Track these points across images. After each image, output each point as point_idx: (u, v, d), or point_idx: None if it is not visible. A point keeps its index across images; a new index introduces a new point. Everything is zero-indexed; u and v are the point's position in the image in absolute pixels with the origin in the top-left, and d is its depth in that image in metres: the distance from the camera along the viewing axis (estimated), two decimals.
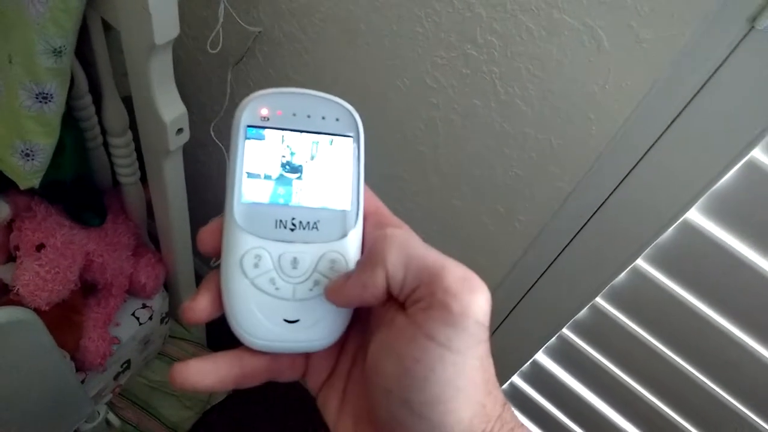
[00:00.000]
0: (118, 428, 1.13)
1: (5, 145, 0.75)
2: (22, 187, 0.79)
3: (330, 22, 0.78)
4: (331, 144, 0.32)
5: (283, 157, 0.31)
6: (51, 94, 0.72)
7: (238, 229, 0.30)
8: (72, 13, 0.67)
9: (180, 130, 0.80)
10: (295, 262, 0.30)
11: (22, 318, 0.75)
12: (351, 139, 0.33)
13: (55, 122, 0.75)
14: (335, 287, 0.30)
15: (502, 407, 0.28)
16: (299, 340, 0.31)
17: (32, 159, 0.76)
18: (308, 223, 0.31)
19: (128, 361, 1.12)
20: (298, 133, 0.32)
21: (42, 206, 0.91)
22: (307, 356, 0.33)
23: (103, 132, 0.92)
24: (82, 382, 1.01)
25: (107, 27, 0.77)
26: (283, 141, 0.31)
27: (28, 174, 0.77)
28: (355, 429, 0.31)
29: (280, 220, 0.31)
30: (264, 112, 0.31)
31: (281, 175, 0.31)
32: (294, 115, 0.32)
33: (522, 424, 0.29)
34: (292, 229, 0.31)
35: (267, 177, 0.31)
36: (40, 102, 0.71)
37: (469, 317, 0.26)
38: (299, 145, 0.32)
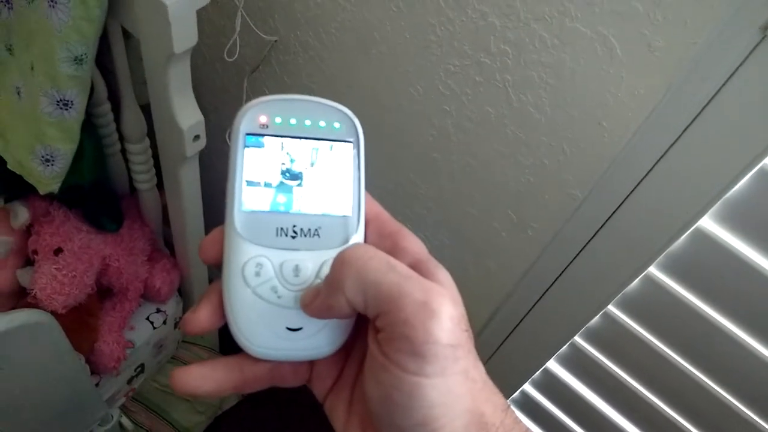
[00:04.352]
0: (131, 431, 1.14)
1: (26, 150, 0.76)
2: (41, 192, 0.80)
3: (345, 30, 0.79)
4: (331, 150, 0.32)
5: (283, 164, 0.31)
6: (71, 101, 0.73)
7: (238, 237, 0.30)
8: (94, 22, 0.68)
9: (197, 137, 0.81)
10: (297, 270, 0.30)
11: (39, 320, 0.76)
12: (351, 144, 0.32)
13: (74, 128, 0.76)
14: (305, 301, 0.30)
15: (504, 413, 0.28)
16: (302, 348, 0.31)
17: (52, 164, 0.78)
18: (309, 230, 0.31)
19: (142, 365, 1.13)
20: (298, 140, 0.31)
21: (60, 211, 0.93)
22: (311, 363, 0.33)
23: (121, 139, 0.94)
24: (97, 385, 1.03)
25: (127, 35, 0.79)
26: (282, 148, 0.31)
27: (48, 179, 0.79)
28: None
29: (281, 228, 0.31)
30: (263, 119, 0.31)
31: (281, 183, 0.31)
32: (293, 121, 0.31)
33: (527, 429, 0.29)
34: (293, 237, 0.31)
35: (267, 185, 0.31)
36: (61, 108, 0.73)
37: (435, 343, 0.25)
38: (299, 152, 0.31)
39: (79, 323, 0.95)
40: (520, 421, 0.28)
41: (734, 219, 0.63)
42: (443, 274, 0.29)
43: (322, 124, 0.32)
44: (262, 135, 0.31)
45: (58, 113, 0.73)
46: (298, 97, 0.32)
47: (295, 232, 0.31)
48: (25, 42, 0.72)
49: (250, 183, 0.31)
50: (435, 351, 0.25)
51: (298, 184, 0.31)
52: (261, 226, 0.30)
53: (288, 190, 0.31)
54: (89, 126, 0.87)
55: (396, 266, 0.27)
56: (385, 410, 0.27)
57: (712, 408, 0.76)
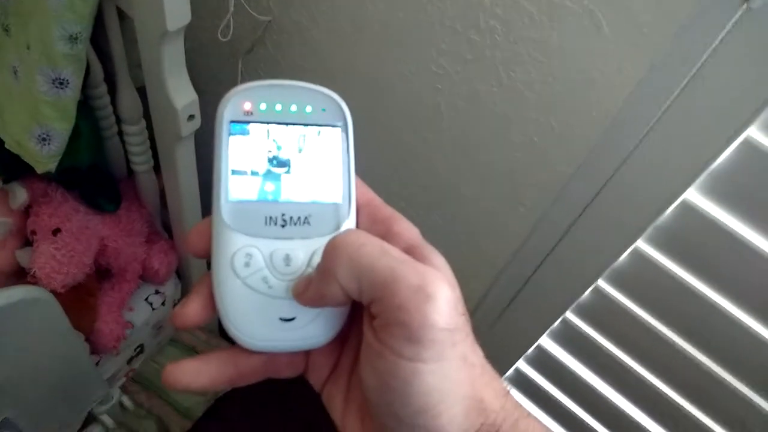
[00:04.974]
0: (132, 411, 1.16)
1: (23, 129, 0.77)
2: (39, 171, 0.81)
3: (338, 9, 0.79)
4: (318, 135, 0.31)
5: (270, 151, 0.31)
6: (67, 80, 0.74)
7: (226, 228, 0.29)
8: (88, 1, 0.69)
9: (191, 117, 0.82)
10: (287, 259, 0.30)
11: (38, 296, 0.77)
12: (339, 129, 0.32)
13: (70, 108, 0.77)
14: (298, 290, 0.29)
15: (504, 398, 0.28)
16: (296, 338, 0.30)
17: (49, 143, 0.79)
18: (299, 218, 0.30)
19: (141, 346, 1.15)
20: (284, 126, 0.31)
21: (58, 192, 0.94)
22: (306, 353, 0.32)
23: (118, 121, 0.95)
24: (96, 364, 1.04)
25: (122, 17, 0.80)
26: (268, 135, 0.31)
27: (45, 158, 0.80)
28: (362, 427, 0.30)
29: (270, 217, 0.30)
30: (247, 106, 0.30)
31: (269, 171, 0.31)
32: (278, 107, 0.31)
33: (528, 414, 0.28)
34: (282, 225, 0.30)
35: (254, 173, 0.30)
36: (57, 87, 0.74)
37: (432, 328, 0.25)
38: (286, 139, 0.31)
39: (79, 303, 0.96)
40: (521, 406, 0.28)
41: (719, 190, 0.64)
42: (438, 259, 0.29)
43: (309, 109, 0.31)
44: (247, 122, 0.31)
45: (54, 92, 0.74)
46: (282, 83, 0.31)
47: (284, 220, 0.30)
48: (21, 21, 0.72)
49: (236, 172, 0.30)
50: (431, 336, 0.25)
51: (286, 171, 0.31)
52: (249, 215, 0.30)
53: (276, 177, 0.31)
54: (86, 108, 0.88)
55: (389, 251, 0.27)
56: (383, 398, 0.26)
57: (699, 378, 0.77)
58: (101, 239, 0.97)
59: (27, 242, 0.96)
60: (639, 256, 0.73)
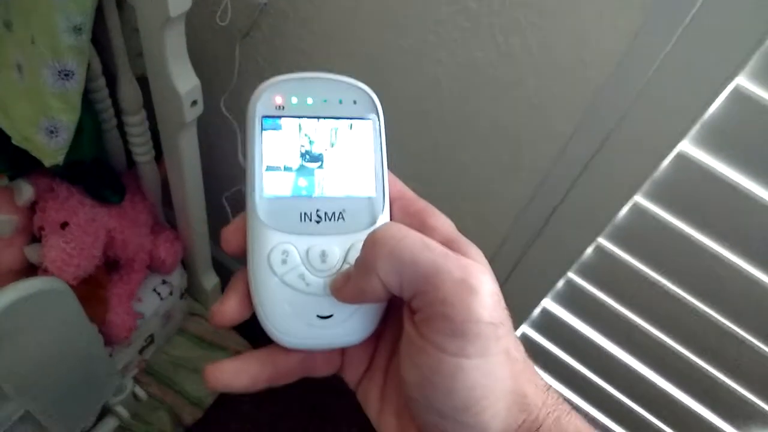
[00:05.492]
0: (145, 402, 1.17)
1: (31, 123, 0.78)
2: (47, 164, 0.82)
3: None
4: (350, 129, 0.31)
5: (302, 146, 0.30)
6: (72, 72, 0.75)
7: (262, 225, 0.29)
8: None
9: (194, 102, 0.83)
10: (323, 255, 0.30)
11: (56, 287, 0.78)
12: (371, 121, 0.32)
13: (76, 99, 0.78)
14: (336, 286, 0.29)
15: (545, 393, 0.28)
16: (334, 335, 0.30)
17: (56, 136, 0.79)
18: (334, 213, 0.30)
19: (152, 336, 1.16)
20: (316, 120, 0.31)
21: (64, 186, 0.95)
22: (342, 350, 0.32)
23: (117, 114, 0.96)
24: (109, 356, 1.05)
25: (119, 6, 0.81)
26: (300, 129, 0.31)
27: (53, 151, 0.81)
28: (399, 424, 0.30)
29: (305, 213, 0.30)
30: (278, 100, 0.30)
31: (302, 166, 0.30)
32: (309, 101, 0.31)
33: (570, 410, 0.28)
34: (317, 221, 0.30)
35: (287, 169, 0.30)
36: (62, 79, 0.75)
37: (477, 322, 0.25)
38: (318, 133, 0.31)
39: (90, 295, 0.97)
40: (563, 402, 0.28)
41: (712, 141, 0.66)
42: (476, 252, 0.29)
43: (340, 102, 0.31)
44: (279, 117, 0.30)
45: (59, 84, 0.75)
46: (313, 75, 0.31)
47: (319, 216, 0.30)
48: (24, 17, 0.73)
49: (269, 168, 0.30)
50: (477, 330, 0.25)
51: (319, 166, 0.31)
52: (284, 211, 0.30)
53: (309, 173, 0.31)
54: (86, 101, 0.89)
55: (430, 244, 0.26)
56: (424, 394, 0.26)
57: (705, 330, 0.80)
58: (108, 231, 0.98)
59: (34, 239, 0.97)
60: (638, 211, 0.76)
